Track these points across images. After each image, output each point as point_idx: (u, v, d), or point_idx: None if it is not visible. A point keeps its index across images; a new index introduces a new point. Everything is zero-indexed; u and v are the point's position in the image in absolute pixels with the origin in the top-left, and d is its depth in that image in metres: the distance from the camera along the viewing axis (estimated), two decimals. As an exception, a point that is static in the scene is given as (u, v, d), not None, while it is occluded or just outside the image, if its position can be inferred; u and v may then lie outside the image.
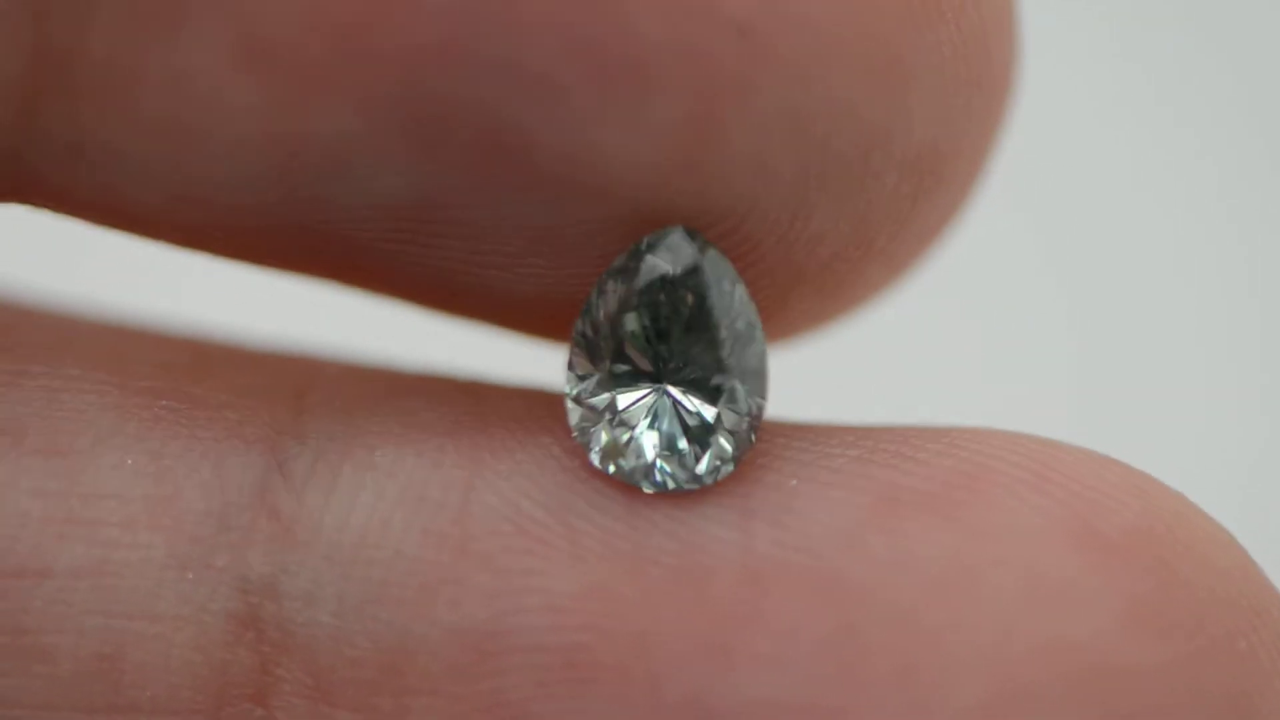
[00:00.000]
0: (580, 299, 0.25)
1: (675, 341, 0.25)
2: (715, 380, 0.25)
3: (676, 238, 0.24)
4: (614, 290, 0.25)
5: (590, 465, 0.25)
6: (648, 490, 0.24)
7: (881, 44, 0.24)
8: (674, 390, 0.25)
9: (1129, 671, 0.23)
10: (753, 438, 0.25)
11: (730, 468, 0.25)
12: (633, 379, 0.25)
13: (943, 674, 0.23)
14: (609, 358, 0.25)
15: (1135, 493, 0.24)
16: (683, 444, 0.25)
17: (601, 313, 0.25)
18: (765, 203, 0.24)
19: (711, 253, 0.24)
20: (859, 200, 0.24)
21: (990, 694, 0.23)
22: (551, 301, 0.25)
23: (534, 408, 0.26)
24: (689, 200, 0.24)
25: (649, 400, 0.25)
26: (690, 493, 0.24)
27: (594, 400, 0.25)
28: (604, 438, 0.25)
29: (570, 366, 0.25)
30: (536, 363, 0.29)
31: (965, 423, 0.25)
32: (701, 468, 0.24)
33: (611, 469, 0.25)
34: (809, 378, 0.30)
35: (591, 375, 0.25)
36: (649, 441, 0.25)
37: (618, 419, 0.25)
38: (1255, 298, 0.58)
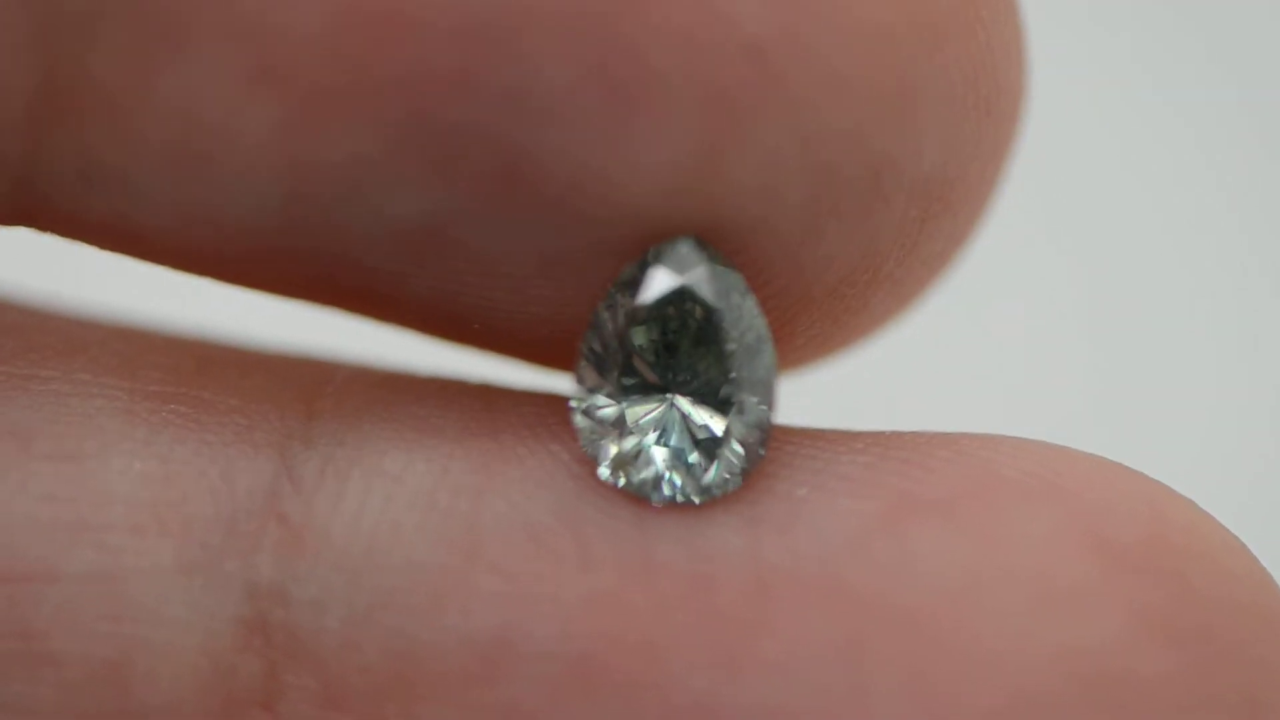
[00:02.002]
0: (589, 320, 0.25)
1: (684, 353, 0.24)
2: (724, 392, 0.24)
3: (686, 248, 0.24)
4: (622, 302, 0.24)
5: (599, 478, 0.25)
6: (656, 503, 0.24)
7: (891, 70, 0.24)
8: (683, 402, 0.25)
9: (1142, 680, 0.23)
10: (762, 450, 0.25)
11: (739, 481, 0.24)
12: (641, 391, 0.25)
13: (954, 683, 0.23)
14: (617, 370, 0.25)
15: (1147, 501, 0.24)
16: (692, 456, 0.25)
17: (610, 324, 0.25)
18: (774, 225, 0.24)
19: (720, 263, 0.24)
20: (868, 224, 0.24)
21: (1002, 703, 0.23)
22: (559, 326, 0.26)
23: (545, 413, 0.26)
24: (699, 220, 0.24)
25: (658, 412, 0.25)
26: (698, 506, 0.24)
27: (602, 413, 0.25)
28: (612, 450, 0.25)
29: (578, 379, 0.25)
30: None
31: (975, 430, 0.25)
32: (710, 480, 0.24)
33: (620, 482, 0.24)
34: (818, 385, 0.30)
35: (600, 387, 0.25)
36: (658, 454, 0.25)
37: (626, 431, 0.25)
38: (1265, 308, 0.58)
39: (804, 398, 0.29)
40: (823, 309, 0.25)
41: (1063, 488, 0.24)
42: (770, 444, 0.25)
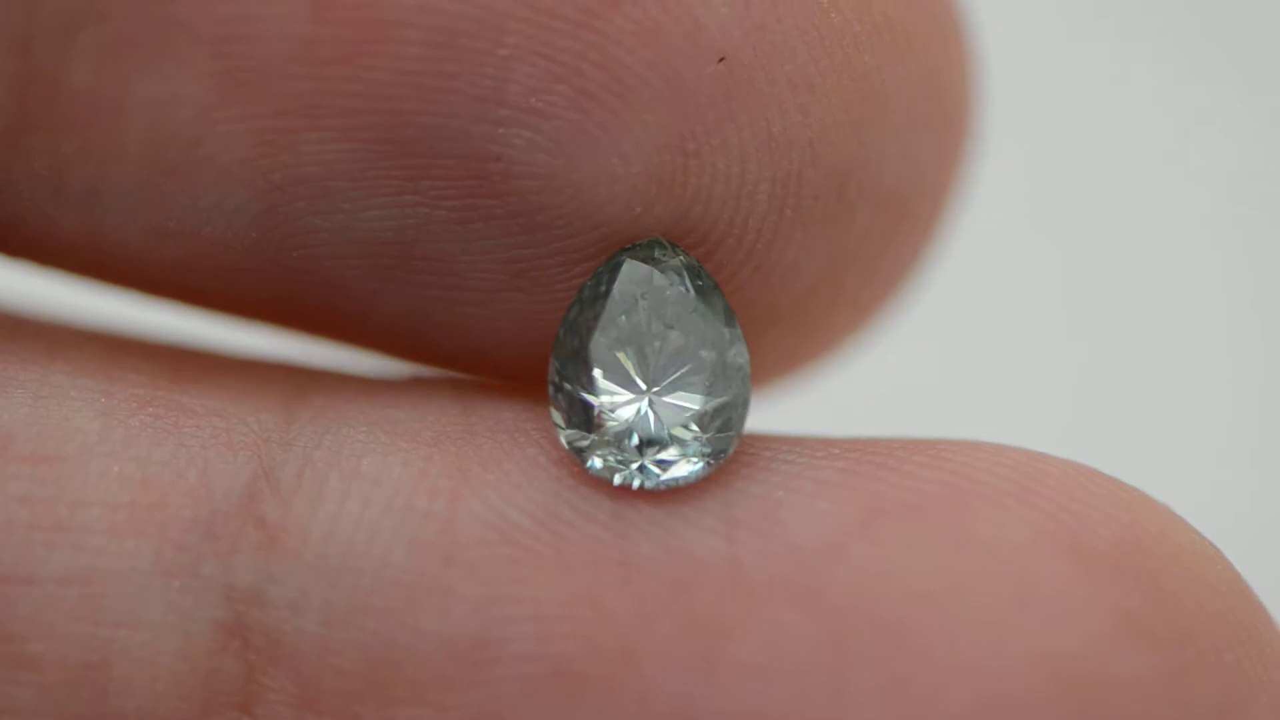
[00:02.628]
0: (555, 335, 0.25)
1: (656, 344, 0.25)
2: (697, 380, 0.25)
3: (656, 245, 0.24)
4: (593, 296, 0.25)
5: (577, 471, 0.25)
6: (634, 486, 0.24)
7: (857, 77, 0.24)
8: (656, 392, 0.25)
9: (1117, 684, 0.23)
10: (736, 437, 0.25)
11: (714, 465, 0.25)
12: (616, 381, 0.25)
13: (930, 687, 0.23)
14: (590, 364, 0.25)
15: (1122, 506, 0.24)
16: (667, 444, 0.25)
17: (582, 318, 0.25)
18: (742, 230, 0.24)
19: (689, 260, 0.25)
20: (832, 232, 0.25)
21: (978, 707, 0.23)
22: (527, 342, 0.26)
23: (520, 416, 0.26)
24: (667, 225, 0.24)
25: (632, 402, 0.25)
26: (676, 496, 0.24)
27: (578, 405, 0.25)
28: (589, 441, 0.25)
29: (552, 374, 0.25)
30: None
31: (952, 436, 0.25)
32: (685, 468, 0.24)
33: (598, 469, 0.25)
34: (797, 391, 0.30)
35: (574, 380, 0.25)
36: (633, 442, 0.25)
37: (601, 422, 0.25)
38: (1248, 312, 0.58)
39: (783, 402, 0.29)
40: (790, 320, 0.26)
41: (1038, 493, 0.24)
42: (747, 444, 0.25)
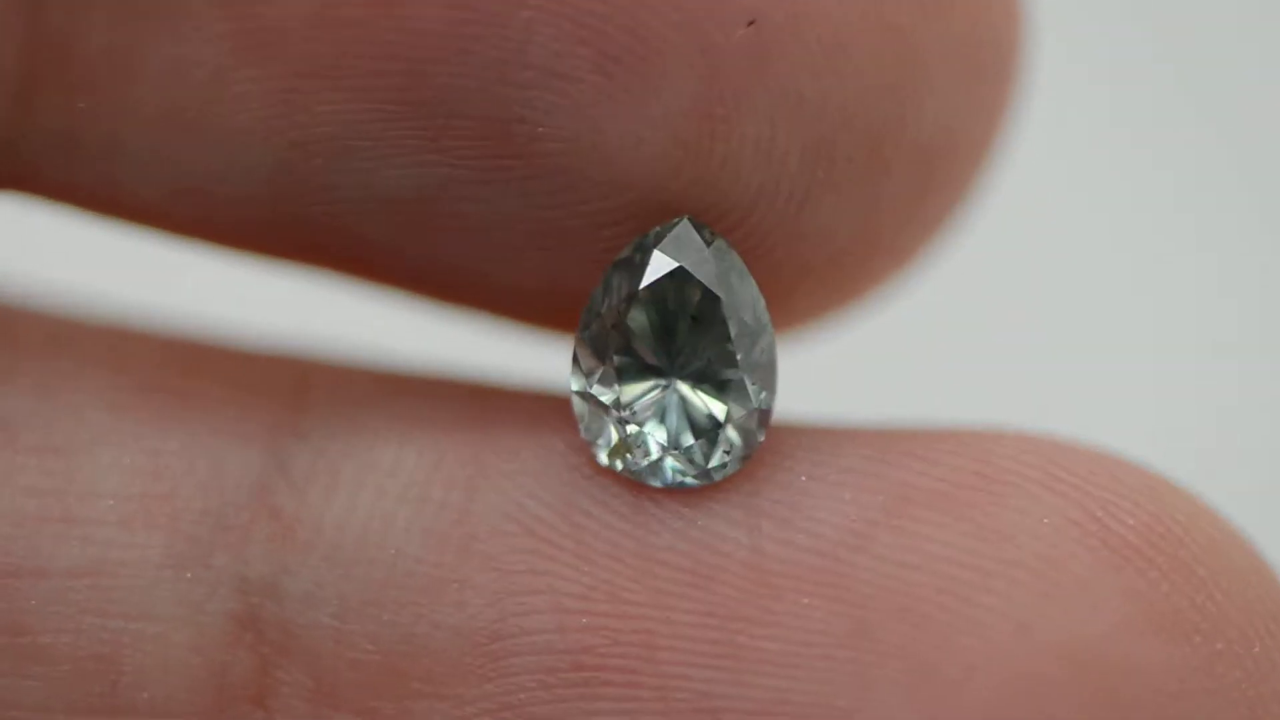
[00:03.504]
0: (585, 290, 0.25)
1: (682, 335, 0.24)
2: (723, 375, 0.24)
3: (683, 229, 0.24)
4: (620, 284, 0.24)
5: (596, 462, 0.24)
6: (655, 485, 0.24)
7: (893, 35, 0.23)
8: (682, 385, 0.24)
9: (1146, 674, 0.23)
10: (760, 434, 0.24)
11: (739, 464, 0.24)
12: (640, 374, 0.24)
13: (956, 674, 0.23)
14: (615, 352, 0.24)
15: (1149, 493, 0.24)
16: (690, 440, 0.24)
17: (607, 307, 0.24)
18: (773, 195, 0.24)
19: (719, 244, 0.24)
20: (867, 193, 0.24)
21: (1004, 694, 0.22)
22: (555, 294, 0.25)
23: (538, 405, 0.26)
24: (696, 191, 0.24)
25: (656, 395, 0.24)
26: (698, 490, 0.24)
27: (600, 396, 0.25)
28: (611, 434, 0.24)
29: (576, 362, 0.25)
30: (540, 359, 0.29)
31: (978, 421, 0.25)
32: (710, 464, 0.24)
33: (618, 466, 0.24)
34: (820, 375, 0.29)
35: (597, 370, 0.24)
36: (656, 437, 0.24)
37: (624, 414, 0.24)
38: (1268, 296, 0.58)
39: (807, 387, 0.29)
40: (822, 276, 0.25)
41: (1065, 480, 0.24)
42: (771, 434, 0.25)
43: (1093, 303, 0.58)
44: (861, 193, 0.24)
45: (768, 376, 0.24)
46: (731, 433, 0.24)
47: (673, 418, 0.24)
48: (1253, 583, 0.24)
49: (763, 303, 0.24)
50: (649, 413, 0.24)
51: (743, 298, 0.24)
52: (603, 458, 0.24)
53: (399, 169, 0.24)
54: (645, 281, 0.24)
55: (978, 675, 0.23)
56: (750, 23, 0.23)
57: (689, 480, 0.24)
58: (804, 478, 0.24)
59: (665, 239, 0.24)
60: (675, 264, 0.24)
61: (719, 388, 0.24)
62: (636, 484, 0.24)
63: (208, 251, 0.26)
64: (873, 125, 0.24)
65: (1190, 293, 0.58)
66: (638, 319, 0.24)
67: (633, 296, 0.24)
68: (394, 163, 0.24)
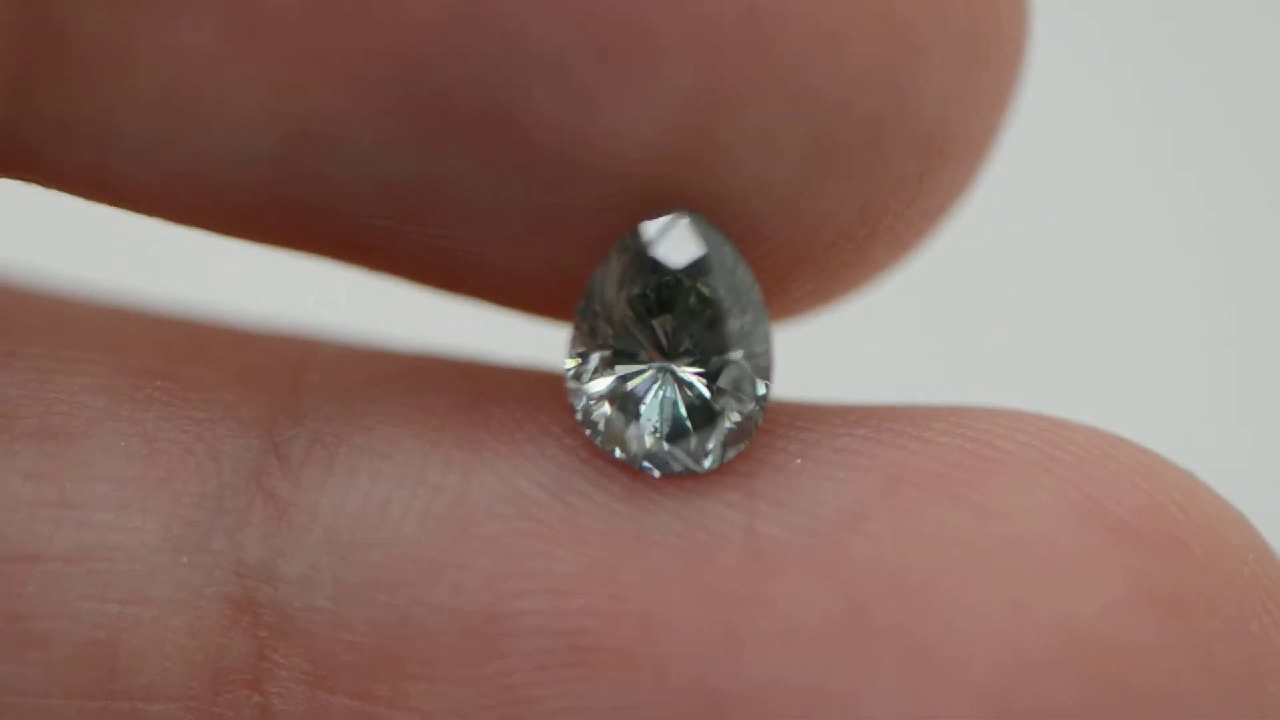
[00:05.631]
0: (583, 277, 0.25)
1: (678, 323, 0.24)
2: (719, 363, 0.24)
3: (679, 217, 0.24)
4: (617, 272, 0.24)
5: (592, 447, 0.24)
6: (652, 473, 0.24)
7: (892, 23, 0.23)
8: (677, 370, 0.24)
9: (1140, 649, 0.23)
10: (758, 421, 0.24)
11: (735, 451, 0.24)
12: (635, 359, 0.24)
13: (953, 654, 0.23)
14: (612, 339, 0.24)
15: (1145, 472, 0.24)
16: (687, 427, 0.24)
17: (604, 294, 0.24)
18: (771, 182, 0.24)
19: (715, 234, 0.24)
20: (866, 180, 0.24)
21: (1001, 673, 0.22)
22: (554, 280, 0.25)
23: (534, 388, 0.26)
24: (694, 178, 0.24)
25: (653, 383, 0.24)
26: (693, 476, 0.24)
27: (596, 382, 0.25)
28: (606, 420, 0.24)
29: (572, 348, 0.25)
30: (537, 343, 0.29)
31: (972, 402, 0.25)
32: (705, 451, 0.24)
33: (615, 452, 0.24)
34: (816, 357, 0.29)
35: (594, 356, 0.24)
36: (652, 424, 0.24)
37: (620, 401, 0.24)
38: (1265, 279, 0.58)
39: (801, 368, 0.29)
40: (819, 263, 0.25)
41: (1060, 459, 0.24)
42: (766, 416, 0.25)
43: (1091, 289, 0.58)
44: (860, 182, 0.24)
45: (764, 363, 0.24)
46: (728, 421, 0.24)
47: (668, 405, 0.24)
48: (1249, 561, 0.24)
49: (758, 289, 0.24)
50: (644, 398, 0.24)
51: (738, 285, 0.24)
52: (598, 442, 0.24)
53: (396, 158, 0.24)
54: (641, 270, 0.24)
55: (974, 655, 0.23)
56: (748, 9, 0.23)
57: (686, 468, 0.24)
58: (799, 458, 0.24)
59: (661, 228, 0.24)
60: (671, 250, 0.24)
61: (715, 375, 0.24)
62: (632, 469, 0.24)
63: (203, 235, 0.26)
64: (871, 114, 0.24)
65: (1190, 279, 0.58)
66: (633, 305, 0.24)
67: (629, 284, 0.24)
68: (391, 152, 0.24)
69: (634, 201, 0.24)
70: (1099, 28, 0.61)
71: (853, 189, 0.24)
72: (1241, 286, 0.58)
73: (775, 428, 0.25)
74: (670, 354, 0.24)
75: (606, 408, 0.24)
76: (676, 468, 0.24)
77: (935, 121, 0.24)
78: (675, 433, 0.24)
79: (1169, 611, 0.23)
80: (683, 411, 0.24)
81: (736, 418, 0.24)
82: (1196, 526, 0.23)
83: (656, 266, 0.24)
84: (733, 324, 0.24)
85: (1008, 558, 0.23)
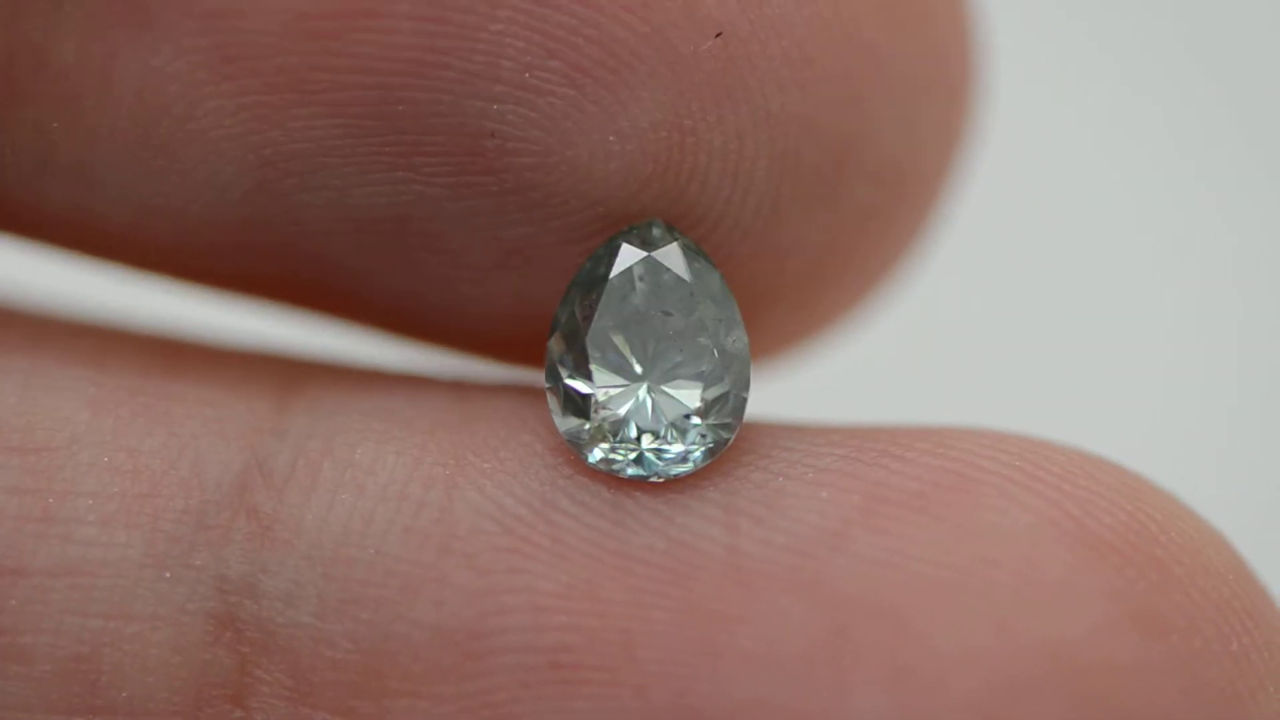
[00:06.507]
0: (552, 319, 0.25)
1: (653, 330, 0.24)
2: (695, 367, 0.24)
3: (655, 228, 0.24)
4: (590, 281, 0.24)
5: (574, 460, 0.24)
6: (633, 476, 0.24)
7: (857, 48, 0.24)
8: (654, 378, 0.24)
9: (1123, 670, 0.23)
10: (735, 425, 0.24)
11: (713, 455, 0.24)
12: (613, 369, 0.24)
13: (935, 674, 0.23)
14: (588, 348, 0.24)
15: (1127, 492, 0.24)
16: (666, 432, 0.24)
17: (580, 303, 0.24)
18: (741, 206, 0.24)
19: (687, 242, 0.24)
20: (832, 207, 0.24)
21: (983, 694, 0.22)
22: (523, 320, 0.25)
23: (517, 405, 0.26)
24: (665, 203, 0.24)
25: (630, 389, 0.25)
26: (675, 485, 0.24)
27: (576, 392, 0.25)
28: (586, 429, 0.24)
29: (550, 358, 0.25)
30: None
31: (954, 422, 0.25)
32: (685, 455, 0.24)
33: (596, 459, 0.24)
34: (797, 377, 0.29)
35: (571, 366, 0.25)
36: (631, 431, 0.24)
37: (600, 409, 0.24)
38: (1250, 296, 0.58)
39: (783, 389, 0.29)
40: (790, 298, 0.25)
41: (1042, 479, 0.24)
42: (747, 432, 0.25)
43: (1073, 312, 0.58)
44: (827, 206, 0.24)
45: (741, 368, 0.25)
46: (706, 425, 0.24)
47: (646, 411, 0.24)
48: (1230, 581, 0.24)
49: (732, 298, 0.25)
50: (623, 407, 0.24)
51: (712, 292, 0.24)
52: (579, 453, 0.24)
53: (371, 186, 0.24)
54: (615, 277, 0.24)
55: (956, 676, 0.23)
56: (717, 35, 0.23)
57: (666, 473, 0.24)
58: (781, 477, 0.24)
59: (634, 237, 0.24)
60: (644, 259, 0.24)
61: (692, 381, 0.24)
62: (614, 480, 0.24)
63: (177, 287, 0.26)
64: (837, 137, 0.24)
65: (1171, 302, 0.58)
66: (609, 314, 0.24)
67: (604, 292, 0.24)
68: (366, 180, 0.24)
69: (606, 229, 0.24)
70: (1098, 42, 0.61)
71: (820, 216, 0.24)
72: (1222, 312, 0.58)
73: (757, 446, 0.25)
74: (646, 362, 0.24)
75: (586, 417, 0.24)
76: (654, 473, 0.24)
77: (899, 152, 0.24)
78: (653, 439, 0.24)
79: (1151, 632, 0.23)
80: (661, 418, 0.24)
81: (714, 423, 0.24)
82: (1177, 546, 0.23)
83: (629, 272, 0.24)
84: (708, 329, 0.24)
85: (990, 578, 0.23)
